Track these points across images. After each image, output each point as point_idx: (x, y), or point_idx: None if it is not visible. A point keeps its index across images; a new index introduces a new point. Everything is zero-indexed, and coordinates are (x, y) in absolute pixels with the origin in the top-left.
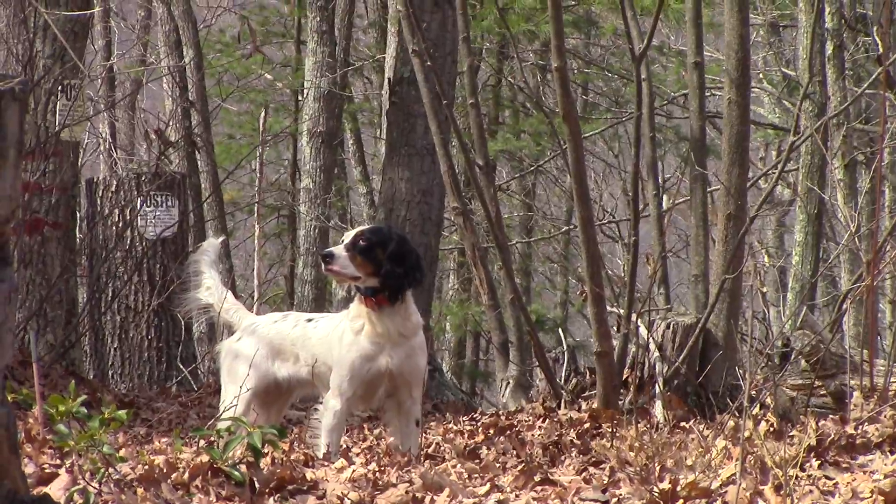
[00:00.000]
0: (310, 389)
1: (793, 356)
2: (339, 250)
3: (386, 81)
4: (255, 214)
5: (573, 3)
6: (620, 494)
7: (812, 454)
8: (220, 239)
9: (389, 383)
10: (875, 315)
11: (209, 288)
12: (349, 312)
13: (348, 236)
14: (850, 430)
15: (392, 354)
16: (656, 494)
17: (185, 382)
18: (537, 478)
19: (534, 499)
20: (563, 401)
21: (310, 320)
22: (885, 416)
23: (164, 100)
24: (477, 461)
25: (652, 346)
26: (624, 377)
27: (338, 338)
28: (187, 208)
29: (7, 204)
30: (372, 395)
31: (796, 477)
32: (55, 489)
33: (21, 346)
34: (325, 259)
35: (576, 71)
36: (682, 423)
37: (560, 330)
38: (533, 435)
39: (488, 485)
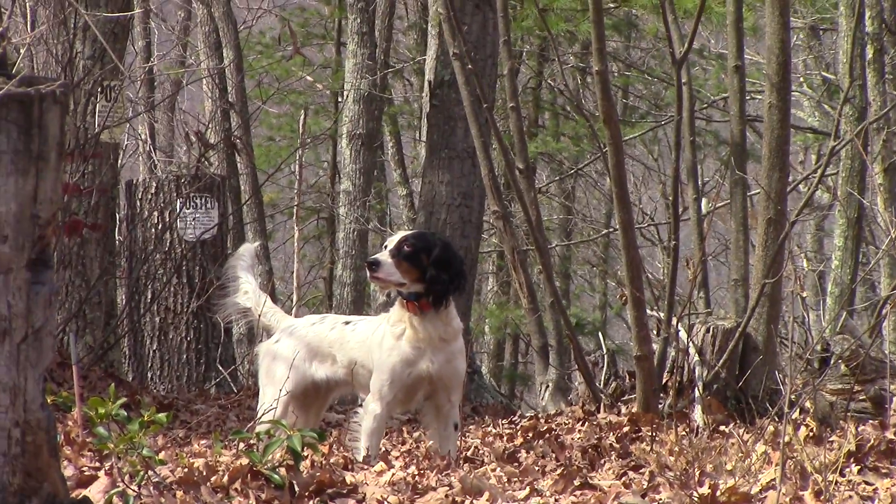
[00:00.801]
0: (347, 390)
1: (832, 361)
2: (385, 257)
3: (426, 84)
4: (295, 217)
5: (614, 6)
6: (660, 499)
7: (852, 459)
8: (256, 244)
9: (429, 387)
10: None
11: (247, 292)
12: (390, 317)
13: (392, 241)
14: (889, 435)
15: (433, 359)
16: (696, 499)
17: (224, 384)
18: (577, 482)
19: (573, 503)
20: (602, 404)
21: (347, 323)
22: None
23: (203, 101)
24: (516, 465)
25: (692, 350)
26: (663, 381)
27: (377, 342)
28: (227, 210)
29: (48, 206)
30: (412, 398)
31: (836, 482)
32: (94, 492)
33: (60, 347)
34: (370, 267)
35: (616, 74)
36: (722, 428)
37: (599, 333)
38: (572, 438)
39: (527, 489)
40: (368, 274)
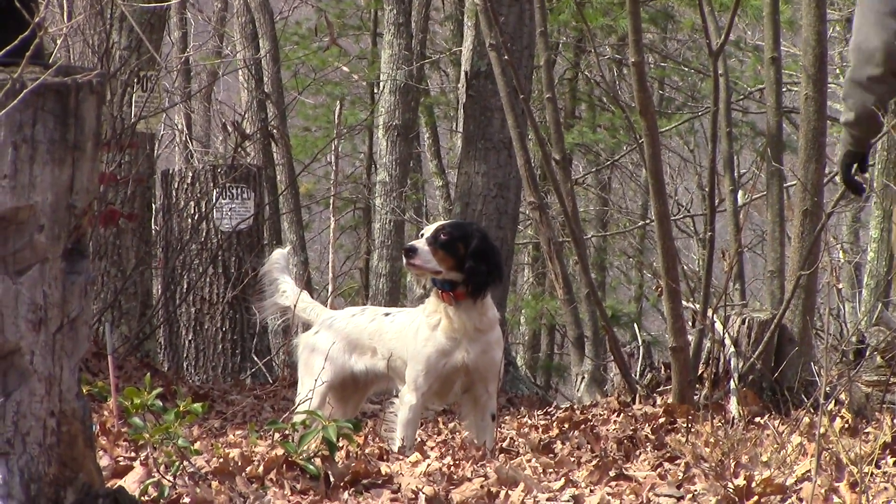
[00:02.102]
0: (386, 384)
1: (868, 352)
2: (421, 244)
3: (462, 75)
4: (331, 207)
5: None
6: (695, 490)
7: (887, 451)
8: (288, 247)
9: (465, 378)
10: None
11: (285, 292)
12: (425, 308)
13: (428, 230)
14: None
15: (468, 349)
16: (731, 491)
17: (260, 375)
18: (612, 473)
19: (608, 494)
20: (637, 395)
21: (387, 314)
22: None
23: (239, 92)
24: (551, 456)
25: (727, 342)
26: (699, 372)
27: (413, 333)
28: (263, 201)
29: (84, 196)
30: (448, 390)
31: (871, 474)
32: (130, 482)
33: (95, 337)
34: (407, 253)
35: (652, 66)
36: (757, 419)
37: (635, 325)
38: (607, 430)
39: (563, 479)
40: (405, 261)
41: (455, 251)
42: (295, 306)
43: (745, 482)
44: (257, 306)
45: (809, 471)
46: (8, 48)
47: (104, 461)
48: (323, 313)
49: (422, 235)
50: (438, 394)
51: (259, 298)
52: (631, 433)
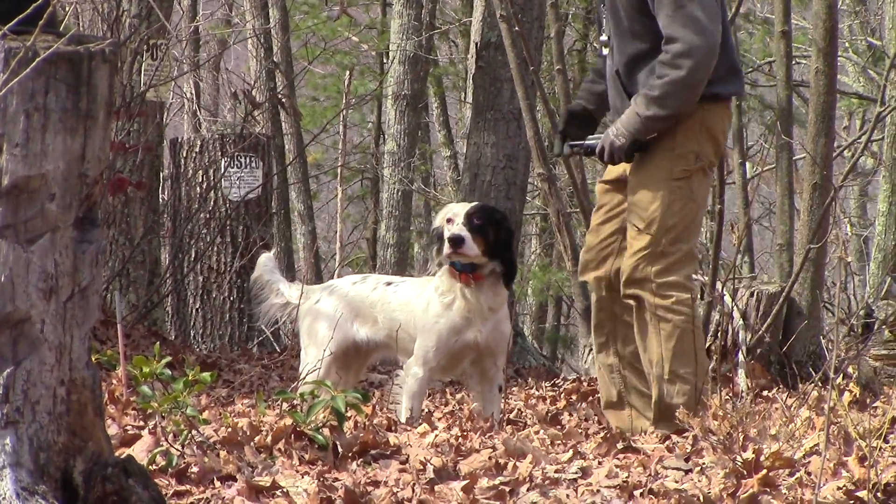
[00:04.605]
0: (387, 353)
1: (876, 326)
2: (465, 233)
3: (472, 45)
4: (339, 177)
5: None
6: (703, 463)
7: (895, 425)
8: (273, 251)
9: (475, 354)
10: None
11: (279, 290)
12: (438, 286)
13: (458, 215)
14: None
15: (481, 328)
16: (739, 464)
17: (267, 344)
18: (620, 445)
19: (616, 466)
20: None
21: (389, 283)
22: None
23: (248, 61)
24: (559, 427)
25: (736, 315)
26: (707, 345)
27: (422, 306)
28: (271, 170)
29: (96, 165)
30: (456, 365)
31: (879, 448)
32: (138, 451)
33: (104, 306)
34: (456, 242)
35: None
36: (765, 392)
37: None
38: None
39: (570, 451)
40: (450, 250)
41: (487, 236)
42: (298, 301)
43: (753, 455)
44: (256, 312)
45: (818, 445)
46: (20, 16)
47: (113, 430)
48: (317, 287)
49: (449, 220)
50: (446, 368)
51: (256, 304)
52: None
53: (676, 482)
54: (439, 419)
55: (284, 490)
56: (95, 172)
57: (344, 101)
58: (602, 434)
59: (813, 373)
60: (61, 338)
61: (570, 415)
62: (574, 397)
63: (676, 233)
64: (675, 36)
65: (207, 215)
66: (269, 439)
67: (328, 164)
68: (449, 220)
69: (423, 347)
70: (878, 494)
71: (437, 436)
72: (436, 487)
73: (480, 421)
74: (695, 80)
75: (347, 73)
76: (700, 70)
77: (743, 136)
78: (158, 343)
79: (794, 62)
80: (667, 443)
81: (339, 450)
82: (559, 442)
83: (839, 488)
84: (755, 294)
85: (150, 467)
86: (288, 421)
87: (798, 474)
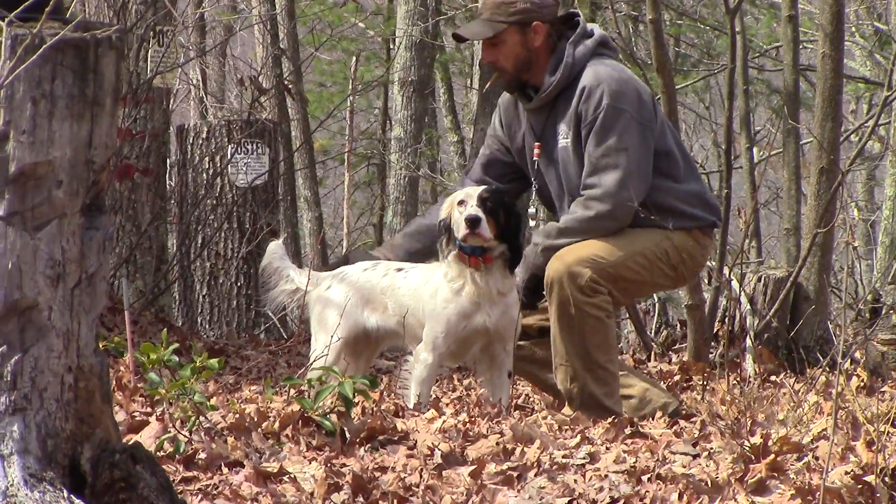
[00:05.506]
0: (398, 341)
1: (883, 311)
2: (482, 214)
3: None
4: (346, 163)
5: None
6: (711, 448)
7: None
8: (283, 237)
9: (484, 339)
10: None
11: (289, 276)
12: (446, 272)
13: (471, 196)
14: None
15: (490, 313)
16: (747, 449)
17: (274, 330)
18: (628, 430)
19: (624, 451)
20: (653, 353)
21: (400, 270)
22: None
23: (255, 48)
24: (567, 413)
25: (743, 300)
26: (715, 330)
27: (431, 291)
28: (278, 156)
29: (103, 152)
30: (465, 351)
31: (887, 433)
32: (146, 437)
33: (111, 292)
34: (472, 223)
35: (669, 23)
36: (772, 377)
37: None
38: None
39: (578, 437)
40: (467, 231)
41: (499, 219)
42: (307, 286)
43: (761, 440)
44: (264, 299)
45: (826, 429)
46: (27, 3)
47: (120, 417)
48: (326, 275)
49: (462, 203)
50: (455, 354)
51: (265, 291)
52: None
53: (684, 467)
54: (447, 405)
55: (292, 476)
56: (102, 159)
57: (350, 87)
58: (610, 420)
59: (821, 358)
60: (69, 325)
61: None
62: None
63: (624, 283)
64: (594, 183)
65: (214, 202)
66: (276, 425)
67: (335, 150)
68: (461, 203)
69: (432, 333)
70: (886, 479)
71: (444, 421)
72: (443, 473)
73: (488, 406)
74: (598, 225)
75: (354, 59)
76: (606, 219)
77: (750, 120)
78: (166, 330)
79: (800, 47)
80: (674, 428)
81: (347, 436)
82: (567, 427)
83: (847, 473)
84: (762, 279)
85: (158, 454)
86: (295, 407)
87: (806, 459)
